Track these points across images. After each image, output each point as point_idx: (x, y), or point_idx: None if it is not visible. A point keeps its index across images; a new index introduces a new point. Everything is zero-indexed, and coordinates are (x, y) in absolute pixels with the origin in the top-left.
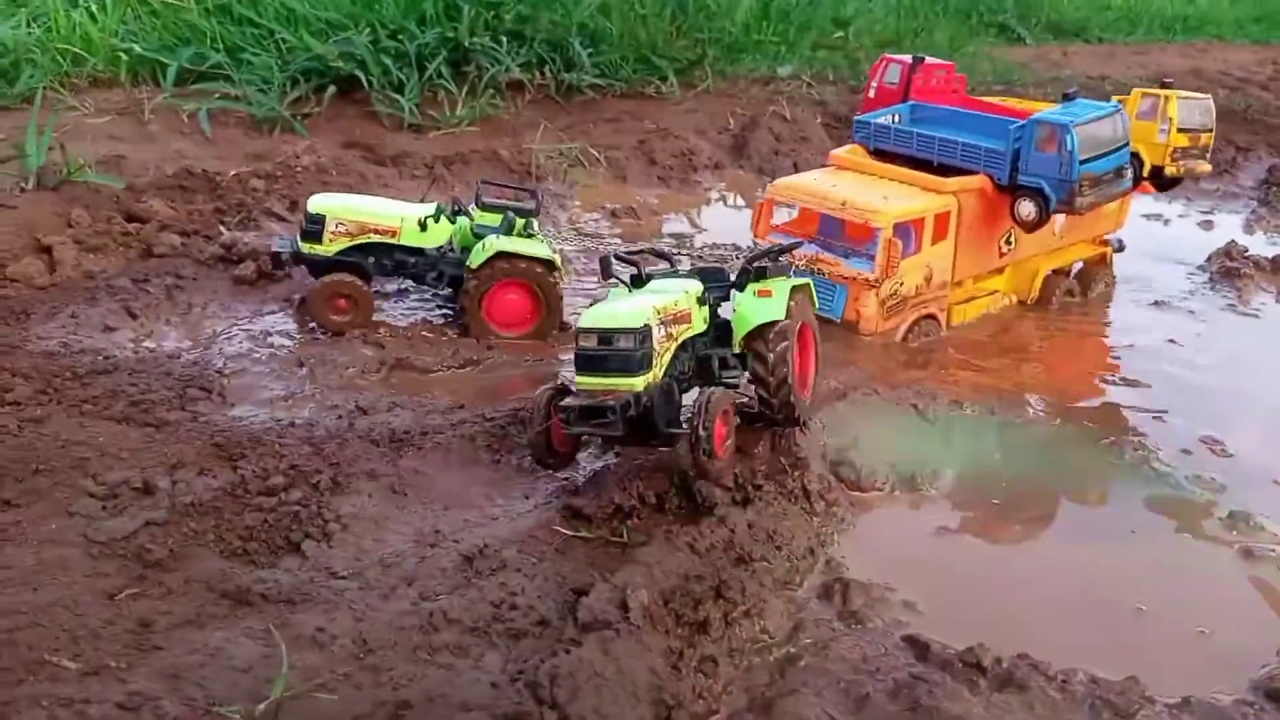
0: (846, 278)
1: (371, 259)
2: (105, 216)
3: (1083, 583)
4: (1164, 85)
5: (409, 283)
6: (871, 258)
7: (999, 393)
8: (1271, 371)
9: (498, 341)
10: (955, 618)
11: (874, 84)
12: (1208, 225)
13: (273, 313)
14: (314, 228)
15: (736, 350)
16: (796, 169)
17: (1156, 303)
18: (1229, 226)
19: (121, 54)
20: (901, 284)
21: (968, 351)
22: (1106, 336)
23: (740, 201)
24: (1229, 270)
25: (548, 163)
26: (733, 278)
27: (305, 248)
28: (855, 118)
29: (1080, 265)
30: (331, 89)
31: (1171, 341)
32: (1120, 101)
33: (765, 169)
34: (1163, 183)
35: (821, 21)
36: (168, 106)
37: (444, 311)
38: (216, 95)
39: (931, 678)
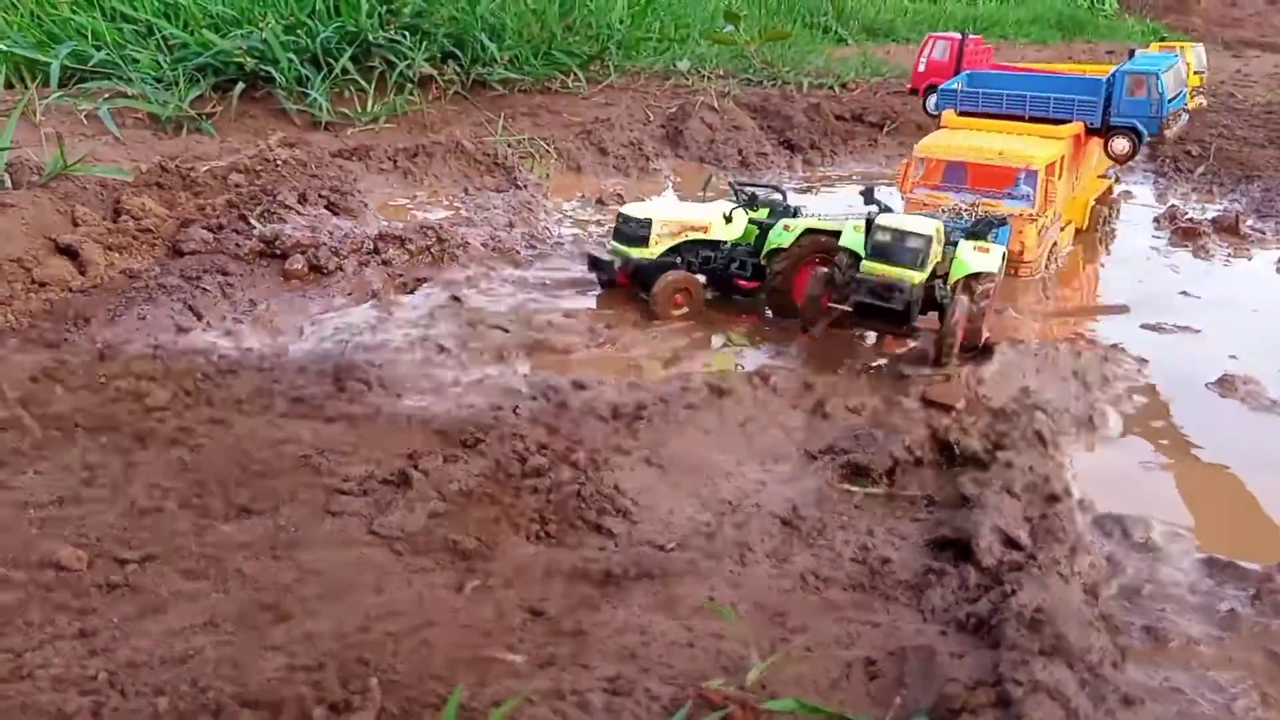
0: (1010, 215)
1: (679, 258)
2: (109, 214)
3: None
4: (1162, 40)
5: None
6: (1023, 197)
7: (1091, 344)
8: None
9: (620, 323)
10: (1220, 538)
11: (923, 59)
12: (1127, 195)
13: (344, 305)
14: (642, 232)
15: (949, 288)
16: (741, 155)
17: (1147, 259)
18: (1146, 195)
19: None
20: (1047, 216)
21: (1024, 308)
22: (1133, 292)
23: (699, 189)
24: (1186, 231)
25: (509, 153)
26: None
27: (634, 253)
28: (939, 88)
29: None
30: (239, 86)
31: (1185, 294)
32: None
33: (706, 158)
34: None
35: (693, 19)
36: (56, 107)
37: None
38: (109, 94)
39: (1276, 588)
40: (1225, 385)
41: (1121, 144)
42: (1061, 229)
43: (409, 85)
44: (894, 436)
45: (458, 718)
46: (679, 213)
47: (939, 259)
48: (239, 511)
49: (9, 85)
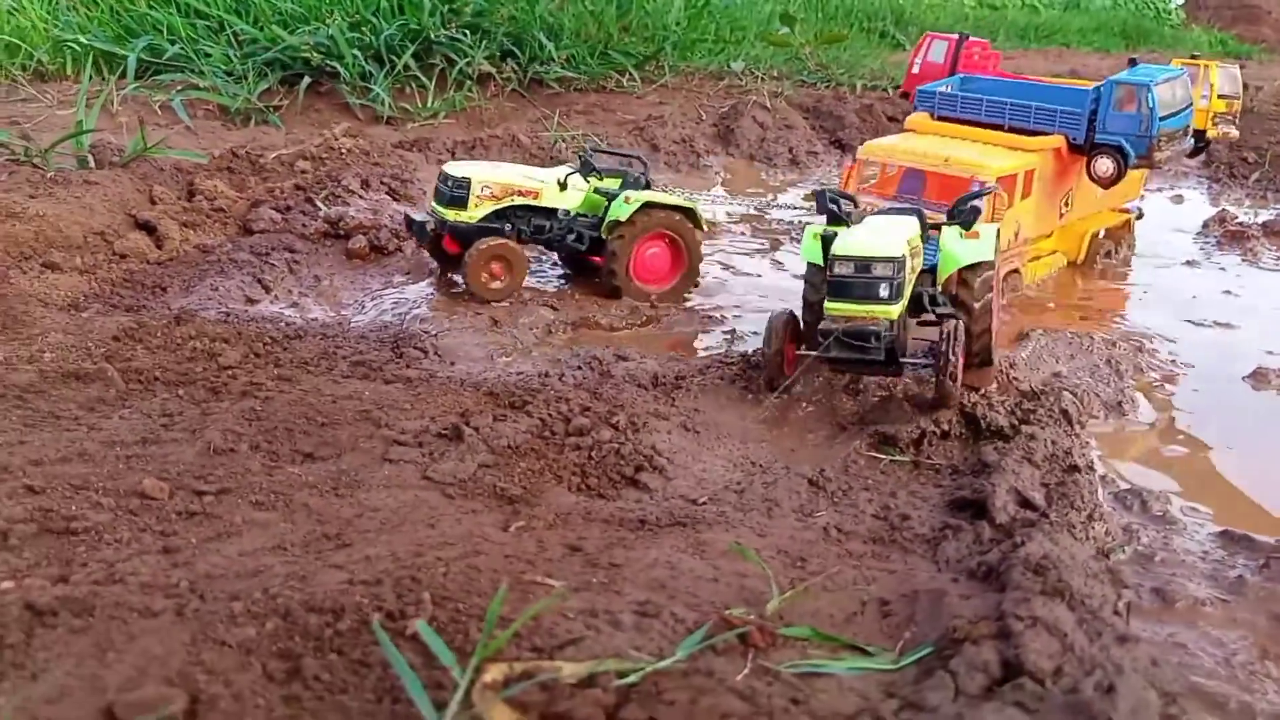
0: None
1: (508, 225)
2: (183, 194)
3: None
4: (1193, 56)
5: (544, 248)
6: None
7: (1127, 336)
8: None
9: (658, 299)
10: (1238, 516)
11: (917, 59)
12: (1179, 199)
13: (404, 282)
14: (459, 193)
15: (940, 287)
16: (792, 154)
17: (1189, 262)
18: (1198, 200)
19: (72, 45)
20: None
21: (1065, 303)
22: (1177, 291)
23: (748, 186)
24: (1234, 234)
25: (562, 147)
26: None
27: (450, 214)
28: (919, 88)
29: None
30: (305, 81)
31: (1228, 293)
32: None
33: (756, 155)
34: (1198, 147)
35: (749, 21)
36: (132, 98)
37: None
38: (182, 86)
39: None
40: (1259, 378)
41: (1105, 164)
42: (1036, 258)
43: (468, 82)
44: (918, 407)
45: (498, 626)
46: (503, 174)
47: (918, 269)
48: (305, 457)
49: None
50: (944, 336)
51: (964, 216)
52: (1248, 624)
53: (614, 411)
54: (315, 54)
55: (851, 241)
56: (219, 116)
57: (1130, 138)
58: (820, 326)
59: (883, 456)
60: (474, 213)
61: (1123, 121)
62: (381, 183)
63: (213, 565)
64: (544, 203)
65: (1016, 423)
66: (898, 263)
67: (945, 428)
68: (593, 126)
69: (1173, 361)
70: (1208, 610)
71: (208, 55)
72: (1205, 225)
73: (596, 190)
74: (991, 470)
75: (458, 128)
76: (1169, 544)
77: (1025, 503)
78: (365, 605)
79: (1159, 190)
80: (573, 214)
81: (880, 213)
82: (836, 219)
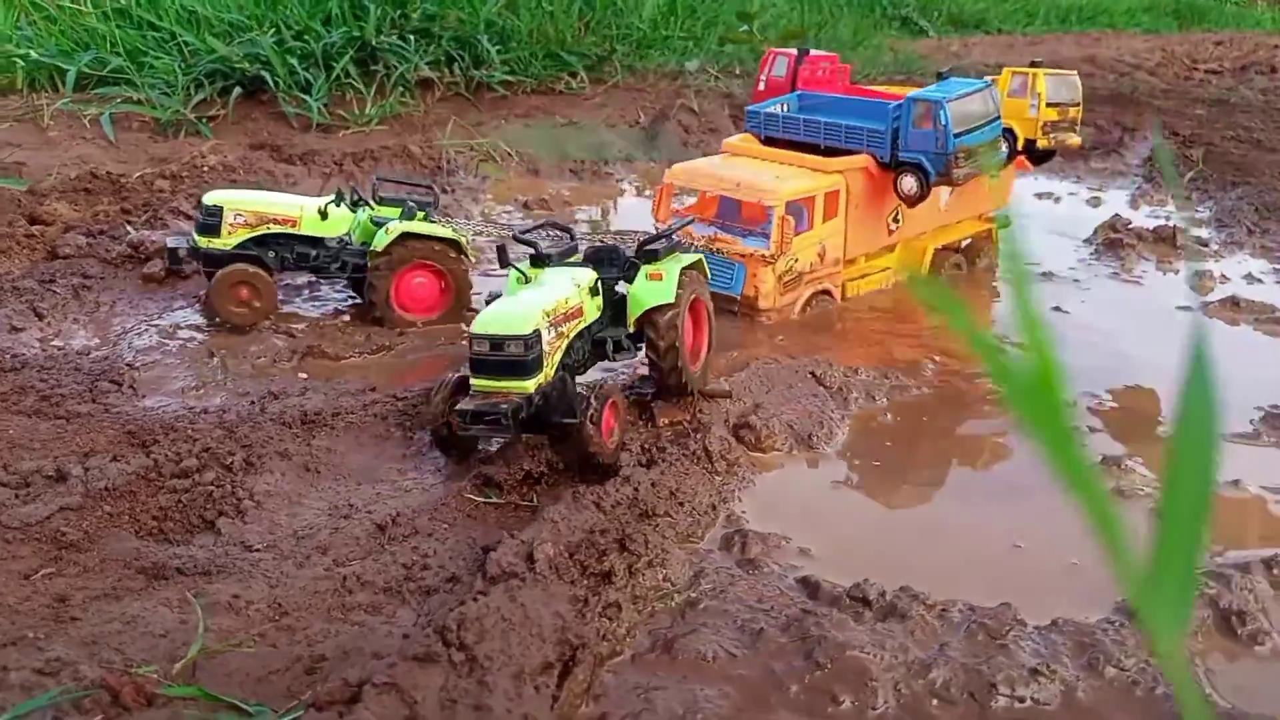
0: (744, 255)
1: (272, 253)
2: (6, 220)
3: (965, 527)
4: (1033, 64)
5: (313, 275)
6: (767, 235)
7: (891, 361)
8: (1148, 331)
9: (409, 328)
10: (846, 561)
11: (763, 76)
12: (1096, 202)
13: (181, 308)
14: (211, 220)
15: (631, 330)
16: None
17: (1044, 274)
18: (1116, 202)
19: (18, 60)
20: (796, 260)
21: (860, 323)
22: (994, 307)
23: (650, 191)
24: (1113, 242)
25: (458, 157)
26: (626, 256)
27: (203, 242)
28: (747, 108)
29: (968, 241)
30: (237, 90)
31: (1057, 309)
32: (992, 80)
33: (675, 160)
34: (1036, 156)
35: (726, 16)
36: (68, 112)
37: (355, 301)
38: (118, 100)
39: (820, 611)
40: (1000, 405)
41: (909, 183)
42: (864, 276)
43: (404, 88)
44: (541, 448)
45: None
46: (258, 203)
47: (572, 331)
48: None
49: (35, 90)
50: (585, 404)
51: (635, 264)
52: (738, 680)
53: (234, 451)
54: (247, 63)
55: (487, 318)
56: (153, 129)
57: (929, 155)
58: (458, 407)
59: (479, 499)
60: (228, 240)
61: (922, 139)
62: None
63: None
64: (304, 231)
65: (644, 463)
66: (529, 339)
67: (563, 468)
68: (529, 131)
69: (918, 389)
70: (705, 664)
71: (153, 67)
72: (1096, 231)
73: (373, 220)
74: (535, 518)
75: (389, 134)
76: (728, 591)
77: (529, 556)
78: None
79: (1075, 194)
80: (345, 243)
81: (562, 256)
82: (538, 260)
